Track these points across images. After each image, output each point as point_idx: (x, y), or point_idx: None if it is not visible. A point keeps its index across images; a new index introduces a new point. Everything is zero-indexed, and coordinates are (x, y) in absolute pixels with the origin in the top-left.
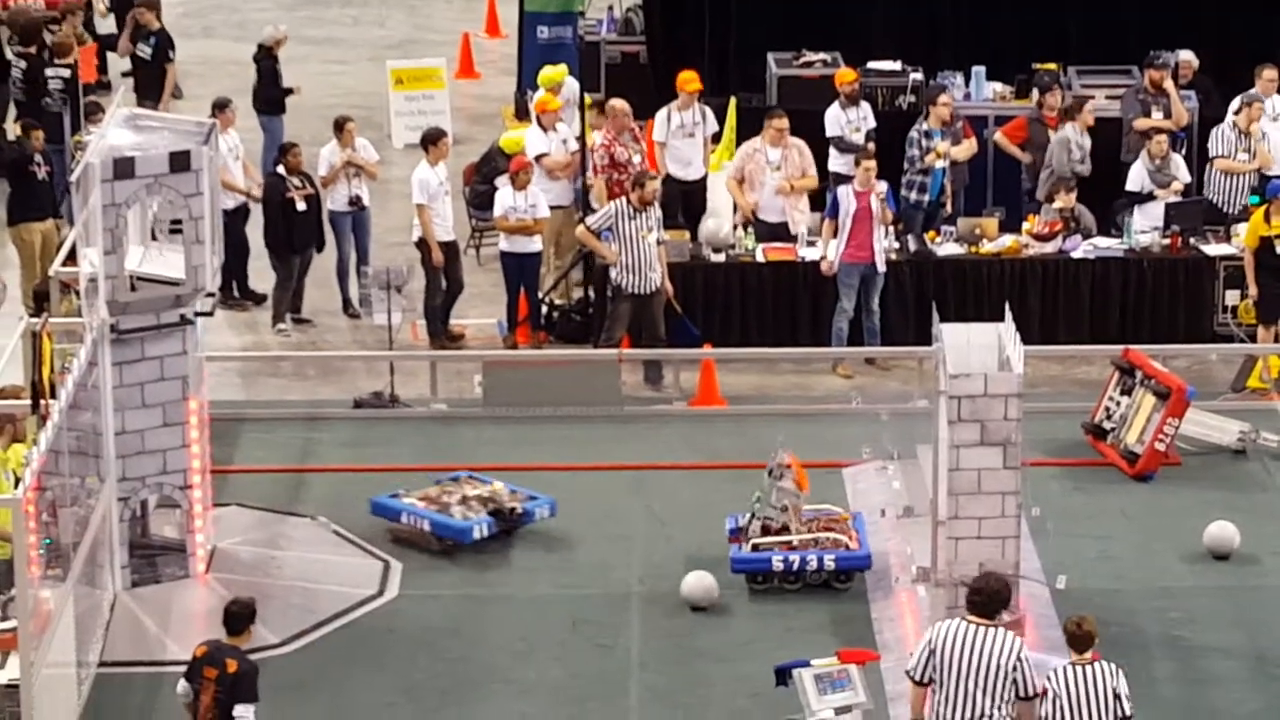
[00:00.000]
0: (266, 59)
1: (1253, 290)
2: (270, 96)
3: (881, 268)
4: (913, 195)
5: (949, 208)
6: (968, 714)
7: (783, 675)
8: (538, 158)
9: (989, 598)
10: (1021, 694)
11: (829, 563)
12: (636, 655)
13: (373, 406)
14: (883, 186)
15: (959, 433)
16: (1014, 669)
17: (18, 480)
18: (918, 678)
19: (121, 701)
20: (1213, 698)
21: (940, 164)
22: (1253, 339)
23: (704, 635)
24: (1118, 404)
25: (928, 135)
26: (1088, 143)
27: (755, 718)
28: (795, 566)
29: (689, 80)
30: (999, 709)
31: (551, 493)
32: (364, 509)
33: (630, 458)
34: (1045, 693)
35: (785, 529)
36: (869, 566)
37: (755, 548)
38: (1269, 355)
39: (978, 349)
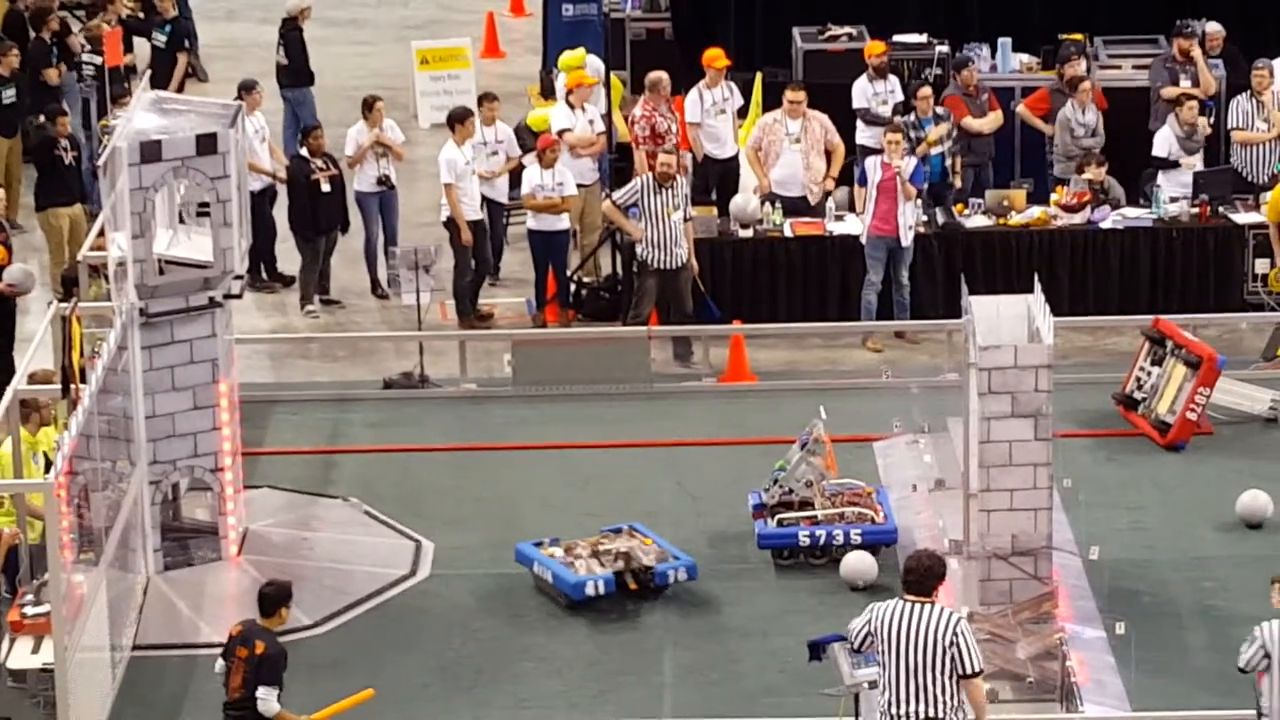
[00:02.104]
0: (294, 30)
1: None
2: (299, 68)
3: (906, 242)
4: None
5: (958, 183)
6: (912, 691)
7: (816, 650)
8: (560, 133)
9: (922, 575)
10: (962, 671)
11: (855, 537)
12: (668, 631)
13: (402, 387)
14: (910, 163)
15: (990, 405)
16: (950, 644)
17: (49, 464)
18: (856, 647)
19: (155, 684)
20: None
21: (936, 150)
22: None
23: (735, 611)
24: (1148, 374)
25: (916, 126)
26: (1091, 118)
27: (788, 692)
28: (822, 541)
29: (716, 57)
30: (943, 686)
31: (583, 471)
32: (395, 489)
33: (660, 434)
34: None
35: (807, 504)
36: (896, 541)
37: (781, 523)
38: None
39: (1007, 321)
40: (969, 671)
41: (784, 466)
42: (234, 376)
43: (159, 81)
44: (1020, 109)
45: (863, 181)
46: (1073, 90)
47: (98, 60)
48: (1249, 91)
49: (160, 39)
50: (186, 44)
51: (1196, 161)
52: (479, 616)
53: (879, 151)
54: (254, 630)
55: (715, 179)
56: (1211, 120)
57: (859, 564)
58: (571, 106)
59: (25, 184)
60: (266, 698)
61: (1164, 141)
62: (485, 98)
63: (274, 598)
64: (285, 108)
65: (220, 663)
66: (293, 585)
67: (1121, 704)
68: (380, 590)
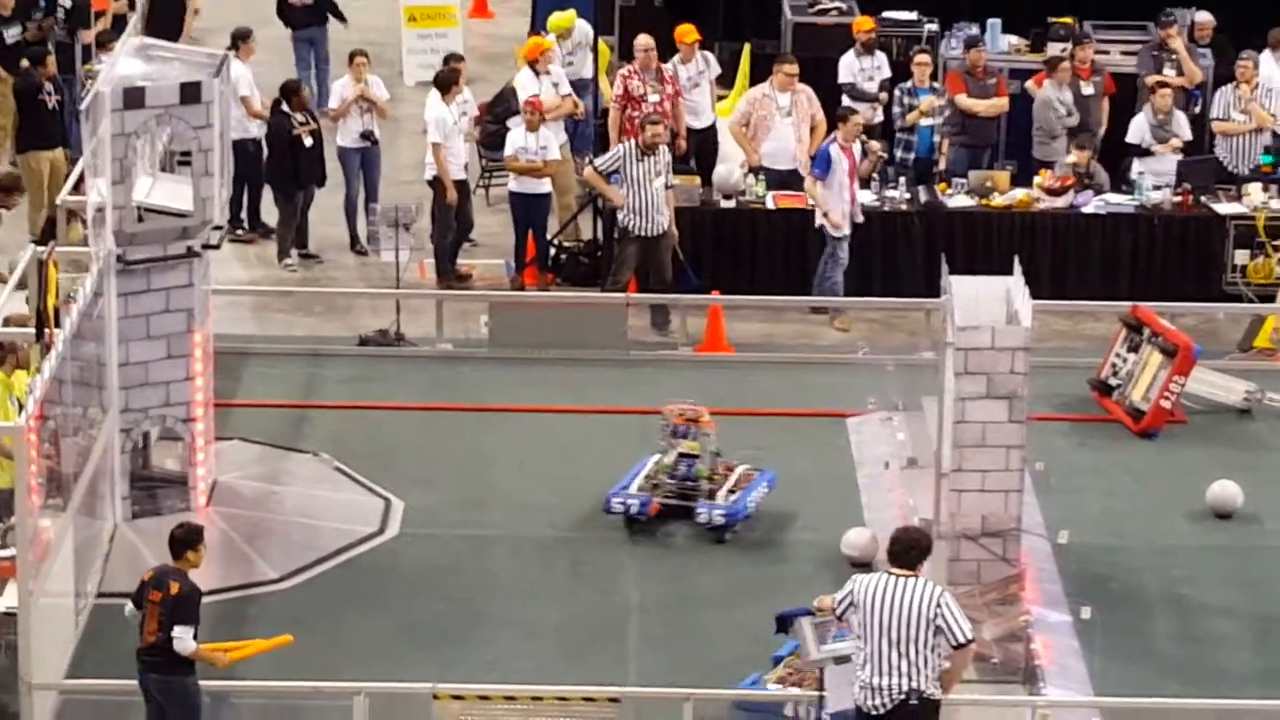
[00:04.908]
0: None
1: None
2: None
3: (859, 218)
4: (899, 153)
5: (942, 164)
6: (893, 662)
7: (784, 623)
8: (527, 101)
9: (908, 547)
10: (953, 642)
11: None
12: (636, 600)
13: (378, 344)
14: (869, 146)
15: (965, 385)
16: (935, 617)
17: (22, 407)
18: (838, 615)
19: (118, 632)
20: (1214, 657)
21: (926, 122)
22: (1262, 299)
23: (703, 580)
24: (1124, 360)
25: (911, 93)
26: (1069, 96)
27: (755, 664)
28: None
29: (687, 33)
30: (925, 659)
31: (555, 435)
32: (367, 447)
33: (635, 402)
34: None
35: (713, 477)
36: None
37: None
38: None
39: (986, 302)
40: (961, 641)
41: (666, 465)
42: (209, 327)
43: (164, 28)
44: (1029, 84)
45: (823, 169)
46: (1052, 69)
47: (67, 3)
48: (1234, 83)
49: None
50: None
51: (1168, 150)
52: (447, 577)
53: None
54: (166, 573)
55: (693, 149)
56: (1197, 109)
57: (858, 539)
58: (536, 73)
59: None
60: (182, 636)
61: (1138, 129)
62: (454, 58)
63: (183, 540)
64: (301, 48)
65: (130, 607)
66: (258, 537)
67: (1084, 688)
68: (348, 547)
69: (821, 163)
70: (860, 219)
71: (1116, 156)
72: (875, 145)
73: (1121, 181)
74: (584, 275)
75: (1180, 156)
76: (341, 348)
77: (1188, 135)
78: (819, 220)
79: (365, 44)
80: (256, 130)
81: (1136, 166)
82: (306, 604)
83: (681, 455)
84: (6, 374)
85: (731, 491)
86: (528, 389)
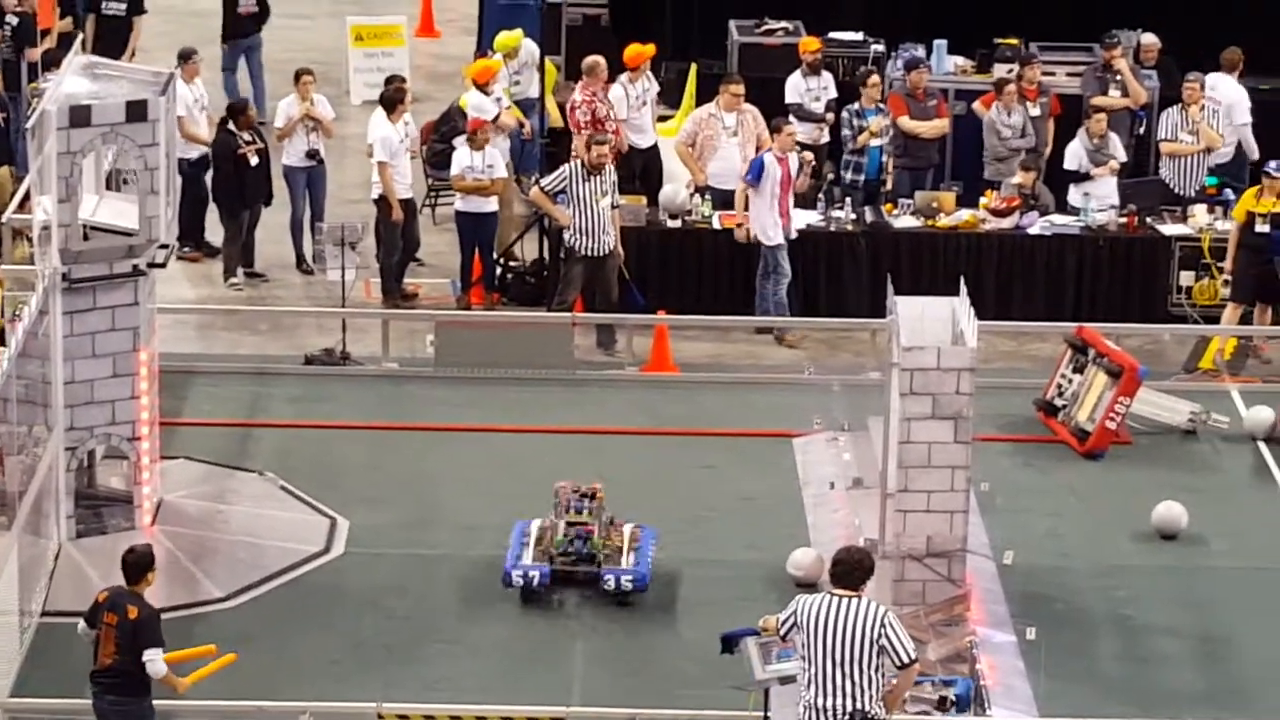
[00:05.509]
0: None
1: (1227, 264)
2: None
3: (793, 234)
4: (848, 175)
5: (889, 184)
6: (838, 684)
7: (729, 643)
8: (472, 121)
9: (850, 568)
10: (897, 663)
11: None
12: (580, 620)
13: (324, 363)
14: (803, 157)
15: (910, 405)
16: (879, 637)
17: None
18: (781, 635)
19: (63, 652)
20: (1159, 677)
21: (875, 143)
22: (1207, 320)
23: (649, 600)
24: (1070, 381)
25: (859, 114)
26: (1017, 119)
27: (699, 684)
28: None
29: (642, 53)
30: (869, 679)
31: (502, 455)
32: (312, 465)
33: (581, 422)
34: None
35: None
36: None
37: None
38: (1228, 336)
39: (932, 322)
40: (905, 662)
41: (559, 540)
42: (154, 345)
43: (111, 49)
44: (976, 105)
45: (755, 178)
46: (999, 92)
47: (13, 21)
48: (1180, 104)
49: (118, 7)
50: (144, 9)
51: (1106, 173)
52: (391, 596)
53: (810, 147)
54: (123, 596)
55: (638, 168)
56: (1142, 130)
57: (803, 559)
58: (486, 95)
59: None
60: (154, 659)
61: (1074, 155)
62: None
63: (138, 564)
64: (235, 55)
65: (83, 625)
66: (203, 557)
67: (1029, 709)
68: (293, 566)
69: (754, 170)
70: (794, 235)
71: (1063, 178)
72: (809, 156)
73: (1068, 203)
74: (530, 295)
75: (1116, 179)
76: (287, 366)
77: (1124, 157)
78: (752, 232)
79: (311, 63)
80: (194, 151)
81: (1075, 191)
82: (252, 623)
83: (570, 524)
84: None
85: (632, 550)
86: (473, 408)
